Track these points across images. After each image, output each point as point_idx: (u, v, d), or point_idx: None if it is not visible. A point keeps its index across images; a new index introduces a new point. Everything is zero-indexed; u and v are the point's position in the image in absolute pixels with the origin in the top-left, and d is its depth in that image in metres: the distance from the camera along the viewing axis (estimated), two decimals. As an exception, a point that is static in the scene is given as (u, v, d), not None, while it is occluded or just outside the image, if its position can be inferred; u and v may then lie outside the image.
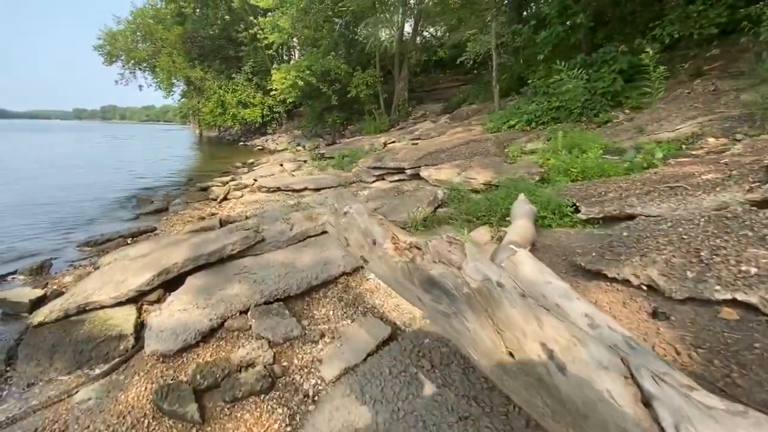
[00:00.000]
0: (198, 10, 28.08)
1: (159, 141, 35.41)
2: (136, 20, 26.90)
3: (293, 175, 9.48)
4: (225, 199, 8.07)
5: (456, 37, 23.26)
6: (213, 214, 6.82)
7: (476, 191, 5.70)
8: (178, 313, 3.06)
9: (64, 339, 3.00)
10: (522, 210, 3.72)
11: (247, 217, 6.20)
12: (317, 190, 7.63)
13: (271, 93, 21.41)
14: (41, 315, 3.19)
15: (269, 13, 21.76)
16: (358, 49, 24.39)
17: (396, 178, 7.49)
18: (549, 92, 9.68)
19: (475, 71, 24.69)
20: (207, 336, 2.95)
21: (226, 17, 26.26)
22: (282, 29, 19.43)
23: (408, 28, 23.31)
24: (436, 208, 5.15)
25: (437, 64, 26.94)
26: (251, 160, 15.36)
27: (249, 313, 3.13)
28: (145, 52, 27.02)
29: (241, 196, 8.14)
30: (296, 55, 29.48)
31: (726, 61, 9.16)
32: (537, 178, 5.65)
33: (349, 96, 19.81)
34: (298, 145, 21.28)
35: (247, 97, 25.62)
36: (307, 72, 19.28)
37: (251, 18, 23.52)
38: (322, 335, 2.89)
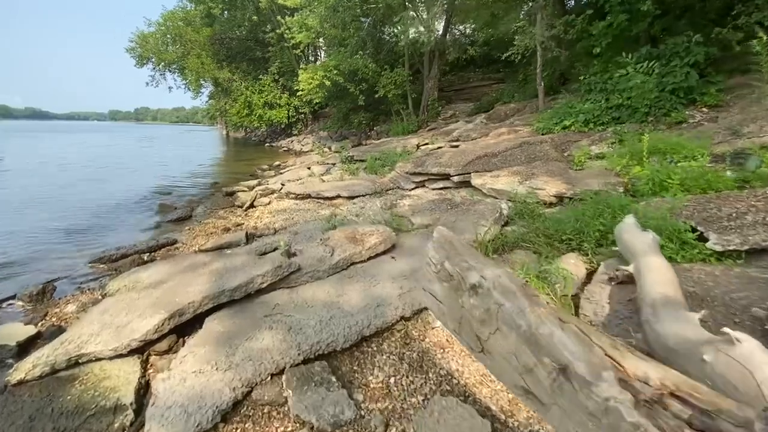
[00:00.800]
0: (226, 12, 27.87)
1: (186, 142, 35.59)
2: (166, 23, 26.90)
3: (323, 180, 8.70)
4: (251, 206, 7.36)
5: (488, 33, 22.15)
6: (239, 225, 6.09)
7: (546, 204, 4.75)
8: (192, 377, 2.27)
9: (46, 408, 2.25)
10: (640, 240, 2.77)
11: (275, 230, 5.44)
12: (351, 198, 6.82)
13: (298, 94, 20.82)
14: (23, 370, 2.46)
15: (296, 13, 21.19)
16: (387, 48, 23.60)
17: (440, 185, 6.59)
18: (607, 89, 8.57)
19: (508, 69, 23.57)
20: (228, 413, 2.15)
21: (254, 18, 25.88)
22: (310, 28, 18.80)
23: (438, 25, 22.36)
24: (503, 226, 4.23)
25: (467, 63, 25.85)
26: (278, 162, 14.74)
27: (284, 378, 2.31)
28: (175, 54, 26.99)
29: (269, 203, 7.42)
30: (322, 55, 28.94)
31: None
32: (620, 190, 4.65)
33: (376, 96, 18.99)
34: (324, 146, 20.64)
35: (274, 98, 25.19)
36: (335, 72, 18.56)
37: (278, 18, 23.02)
38: (386, 425, 2.03)
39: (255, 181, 9.93)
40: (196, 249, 5.02)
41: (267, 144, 26.37)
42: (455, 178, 6.30)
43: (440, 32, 20.91)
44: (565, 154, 6.86)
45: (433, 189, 6.63)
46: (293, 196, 7.51)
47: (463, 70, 25.73)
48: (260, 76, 26.11)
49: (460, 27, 24.88)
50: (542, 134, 8.43)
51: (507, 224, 4.32)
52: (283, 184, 9.06)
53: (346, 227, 4.31)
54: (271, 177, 11.01)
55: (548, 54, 9.79)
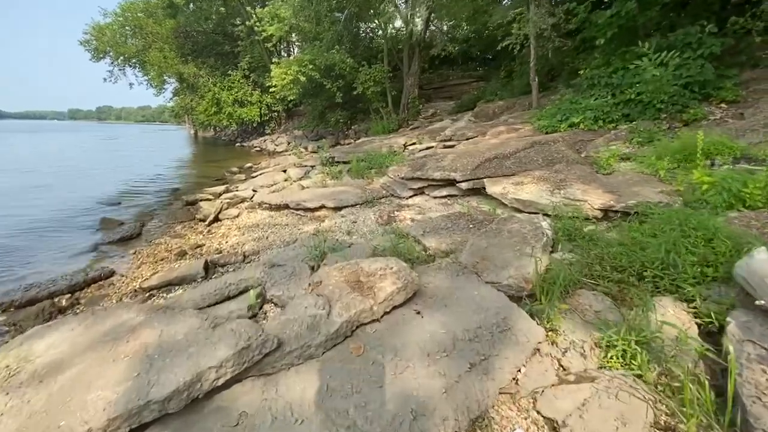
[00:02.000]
0: (191, 4, 25.81)
1: (151, 141, 33.10)
2: (124, 13, 24.59)
3: (302, 187, 7.44)
4: (216, 220, 6.04)
5: (469, 30, 21.31)
6: (198, 247, 4.78)
7: (590, 220, 3.74)
8: None
9: None
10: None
11: (244, 256, 4.19)
12: (338, 208, 5.63)
13: (270, 90, 19.26)
14: None
15: (267, 3, 19.63)
16: (364, 44, 22.37)
17: (443, 193, 5.50)
18: (613, 83, 7.73)
19: (488, 67, 22.85)
20: None
21: (222, 9, 24.03)
22: (282, 19, 17.34)
23: (418, 20, 21.34)
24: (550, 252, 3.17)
25: (446, 61, 24.97)
26: (249, 164, 13.29)
27: None
28: (134, 48, 24.73)
29: (238, 215, 6.12)
30: (295, 51, 27.35)
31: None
32: (678, 201, 3.70)
33: (354, 93, 17.76)
34: (300, 145, 19.22)
35: (244, 95, 23.47)
36: (310, 67, 17.18)
37: (248, 9, 21.35)
38: None
39: (222, 187, 8.53)
40: (136, 287, 3.72)
41: (238, 144, 24.62)
42: (463, 185, 5.22)
43: (420, 27, 19.90)
44: (583, 156, 5.92)
45: (436, 198, 5.53)
46: (267, 206, 6.24)
47: (441, 67, 24.84)
48: (229, 72, 24.29)
49: (438, 23, 23.95)
50: (546, 132, 7.50)
51: (552, 249, 3.26)
52: (255, 191, 7.75)
53: (342, 259, 3.13)
54: (241, 182, 9.62)
55: (549, 45, 8.89)
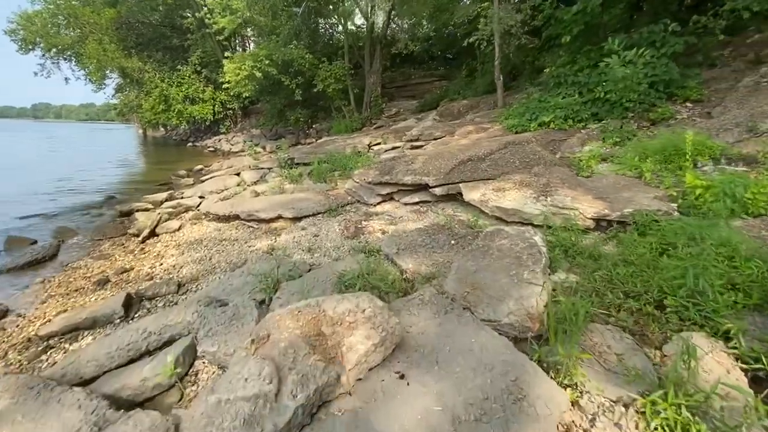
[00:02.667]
0: (134, -8, 23.72)
1: (94, 141, 30.34)
2: (56, 1, 22.14)
3: (256, 193, 6.63)
4: (153, 234, 5.13)
5: (430, 29, 21.00)
6: (124, 272, 3.91)
7: (581, 230, 3.29)
8: None
9: None
10: None
11: (179, 285, 3.40)
12: (297, 219, 4.91)
13: (224, 86, 17.97)
14: None
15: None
16: (324, 40, 21.48)
17: (416, 199, 4.93)
18: (580, 82, 7.52)
19: (449, 66, 22.66)
20: None
21: (169, 0, 22.23)
22: (235, 11, 16.14)
23: (379, 15, 20.77)
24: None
25: (406, 59, 24.55)
26: (200, 166, 12.14)
27: None
28: (69, 39, 22.36)
29: (179, 228, 5.24)
30: (251, 47, 25.91)
31: (780, 46, 7.45)
32: (674, 208, 3.33)
33: (315, 91, 16.91)
34: (257, 145, 18.09)
35: (195, 92, 21.86)
36: (267, 62, 16.12)
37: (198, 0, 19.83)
38: None
39: (165, 194, 7.50)
40: (32, 333, 2.86)
41: (190, 144, 22.96)
42: (437, 190, 4.67)
43: (381, 23, 19.32)
44: (558, 156, 5.57)
45: (407, 204, 4.95)
46: (215, 217, 5.40)
47: (403, 66, 24.42)
48: (179, 67, 22.55)
49: (399, 21, 23.49)
50: (516, 132, 7.15)
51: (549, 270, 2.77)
52: (202, 198, 6.84)
53: (299, 293, 2.47)
54: (188, 187, 8.59)
55: (516, 42, 8.57)
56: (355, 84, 17.88)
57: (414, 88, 21.88)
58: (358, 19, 24.17)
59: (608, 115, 6.87)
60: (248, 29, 24.22)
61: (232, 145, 19.48)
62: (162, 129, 34.95)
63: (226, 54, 17.39)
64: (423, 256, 3.06)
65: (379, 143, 10.01)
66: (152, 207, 6.60)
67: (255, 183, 8.15)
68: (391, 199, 5.25)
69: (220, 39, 18.94)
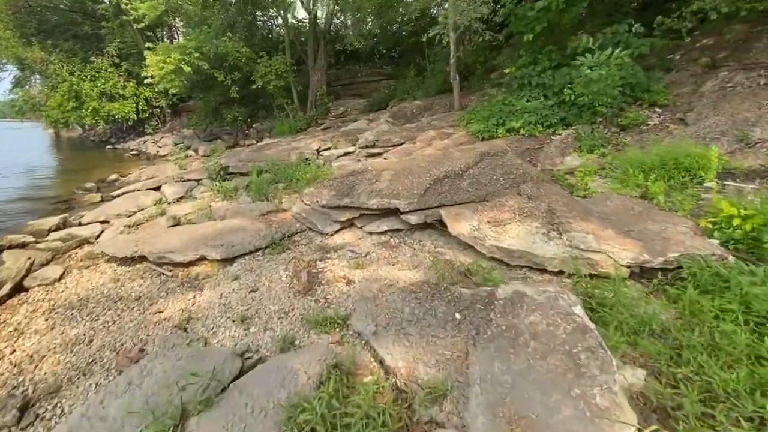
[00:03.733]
0: (34, -29, 20.01)
1: (-11, 143, 25.55)
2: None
3: (176, 219, 5.17)
4: (19, 290, 3.57)
5: (376, 25, 19.95)
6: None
7: (606, 278, 2.44)
8: None
9: None
10: None
11: (22, 412, 2.05)
12: (228, 260, 3.65)
13: (146, 81, 15.56)
14: None
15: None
16: (262, 33, 19.58)
17: (384, 228, 3.86)
18: (544, 84, 6.92)
19: (395, 65, 21.73)
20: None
21: (75, -19, 19.01)
22: (155, -5, 13.96)
23: (320, 8, 19.33)
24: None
25: (351, 56, 23.30)
26: (114, 176, 10.08)
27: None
28: (-53, 21, 18.35)
29: (60, 278, 3.71)
30: (180, 39, 23.14)
31: (730, 51, 7.38)
32: (727, 251, 2.60)
33: (254, 87, 15.17)
34: (188, 148, 15.95)
35: (114, 88, 18.90)
36: (196, 55, 14.11)
37: (111, -18, 17.09)
38: None
39: (57, 219, 5.70)
40: None
41: (110, 146, 19.93)
42: (411, 218, 3.64)
43: (324, 17, 17.92)
44: (539, 168, 4.80)
45: (373, 234, 3.87)
46: (115, 259, 3.94)
47: (348, 63, 23.15)
48: (92, 59, 19.41)
49: (343, 17, 22.16)
50: (483, 138, 6.36)
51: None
52: (105, 225, 5.25)
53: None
54: (92, 206, 6.78)
55: (479, 39, 7.76)
56: (299, 81, 16.37)
57: (360, 87, 20.75)
58: (300, 13, 22.51)
59: (577, 120, 6.30)
60: (177, 19, 21.64)
61: (160, 147, 17.05)
62: (79, 129, 30.49)
63: (147, 44, 15.03)
64: (417, 341, 2.01)
65: (329, 148, 8.80)
66: (32, 240, 4.88)
67: (179, 200, 6.60)
68: (352, 225, 4.14)
69: (140, 27, 16.45)
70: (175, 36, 24.12)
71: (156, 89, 16.93)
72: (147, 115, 19.68)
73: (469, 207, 3.54)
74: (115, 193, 7.47)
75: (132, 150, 17.91)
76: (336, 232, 4.09)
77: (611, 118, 6.16)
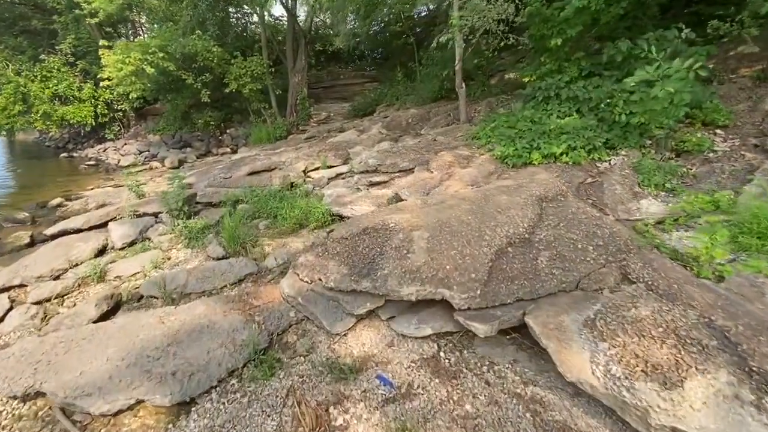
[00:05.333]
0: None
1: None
2: None
3: (111, 298, 3.58)
4: None
5: (360, 24, 18.39)
6: None
7: None
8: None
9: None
10: None
11: None
12: (182, 406, 2.18)
13: (101, 84, 13.45)
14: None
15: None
16: (236, 31, 17.63)
17: (427, 330, 2.46)
18: (578, 97, 5.69)
19: (378, 68, 20.19)
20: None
21: (20, -32, 16.45)
22: (110, -14, 11.94)
23: (302, 9, 17.59)
24: None
25: (332, 57, 21.62)
26: (58, 200, 8.19)
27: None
28: None
29: None
30: (145, 37, 20.77)
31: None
32: None
33: (228, 91, 13.37)
34: (154, 157, 13.97)
35: (69, 89, 16.49)
36: (161, 55, 12.17)
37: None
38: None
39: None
40: None
41: (66, 153, 17.52)
42: (478, 327, 2.24)
43: (304, 16, 16.25)
44: (612, 218, 3.53)
45: (409, 338, 2.49)
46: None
47: (329, 64, 21.48)
48: (43, 57, 16.92)
49: (322, 15, 20.43)
50: (513, 166, 5.07)
51: None
52: (21, 289, 3.62)
53: None
54: (12, 256, 5.05)
55: (497, 42, 6.40)
56: (277, 84, 14.65)
57: (343, 90, 19.18)
58: (277, 10, 20.67)
59: (621, 142, 5.10)
60: (142, 15, 19.35)
61: (122, 155, 14.93)
62: (37, 132, 27.31)
63: (102, 42, 12.94)
64: None
65: (317, 168, 7.31)
66: None
67: (129, 246, 4.97)
68: (373, 315, 2.74)
69: (96, 23, 14.26)
70: (140, 33, 21.67)
71: (118, 92, 14.77)
72: (107, 119, 17.37)
73: (568, 306, 2.22)
74: (50, 231, 5.71)
75: (90, 158, 15.65)
76: (347, 330, 2.67)
77: (664, 141, 4.99)
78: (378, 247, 2.90)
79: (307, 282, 2.92)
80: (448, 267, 2.55)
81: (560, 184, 3.89)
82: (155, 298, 3.47)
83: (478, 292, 2.36)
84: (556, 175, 4.38)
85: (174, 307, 2.95)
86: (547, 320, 2.13)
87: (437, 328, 2.46)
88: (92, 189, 9.56)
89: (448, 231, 2.91)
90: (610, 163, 4.82)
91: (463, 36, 6.05)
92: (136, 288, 3.75)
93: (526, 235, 2.84)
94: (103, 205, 6.98)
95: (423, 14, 17.04)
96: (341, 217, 4.90)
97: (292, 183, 6.52)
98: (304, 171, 7.11)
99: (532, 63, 6.84)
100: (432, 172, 5.06)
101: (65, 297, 3.82)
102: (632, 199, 3.72)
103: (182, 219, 5.22)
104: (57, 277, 4.15)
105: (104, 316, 3.15)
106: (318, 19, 20.11)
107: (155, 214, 5.75)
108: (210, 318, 2.75)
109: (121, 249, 4.93)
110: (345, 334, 2.64)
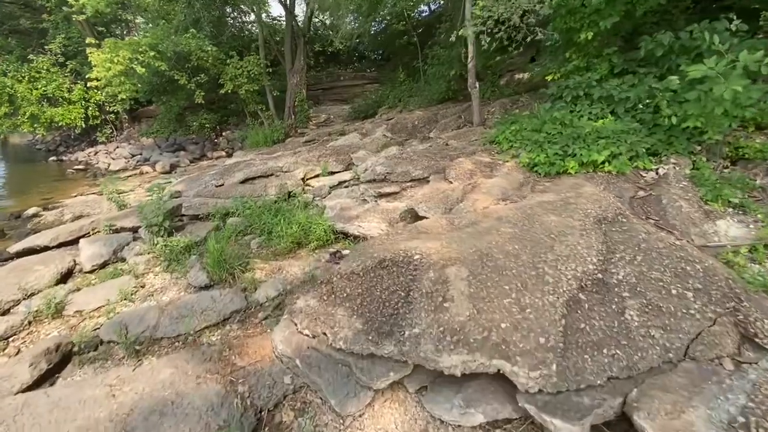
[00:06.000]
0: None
1: None
2: None
3: (61, 350, 2.82)
4: None
5: (361, 23, 17.73)
6: None
7: None
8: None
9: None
10: None
11: None
12: None
13: (89, 84, 12.67)
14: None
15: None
16: (232, 31, 16.89)
17: (478, 416, 1.75)
18: (613, 97, 4.98)
19: (377, 69, 19.46)
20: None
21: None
22: (98, -18, 11.19)
23: (300, 8, 16.89)
24: None
25: (331, 57, 20.87)
26: (34, 210, 7.39)
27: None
28: None
29: None
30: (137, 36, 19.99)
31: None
32: None
33: (223, 92, 12.63)
34: (146, 161, 13.18)
35: (58, 90, 15.69)
36: (152, 54, 11.42)
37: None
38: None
39: None
40: None
41: (55, 157, 16.69)
42: (555, 421, 1.56)
43: (303, 15, 15.51)
44: (683, 241, 2.82)
45: (448, 425, 1.78)
46: None
47: (328, 65, 20.73)
48: (31, 57, 16.12)
49: (322, 15, 19.69)
50: (545, 174, 4.36)
51: None
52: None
53: None
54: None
55: (522, 37, 5.66)
56: (274, 85, 13.91)
57: (343, 91, 18.46)
58: (275, 10, 19.92)
59: (666, 148, 4.40)
60: (136, 15, 18.60)
61: (113, 159, 14.12)
62: (30, 135, 26.41)
63: (89, 40, 12.18)
64: None
65: (317, 175, 6.58)
66: None
67: (100, 268, 4.22)
68: (398, 385, 2.02)
69: (87, 21, 13.48)
70: (135, 34, 20.91)
71: (109, 93, 13.97)
72: (99, 121, 16.57)
73: (687, 392, 1.50)
74: (14, 248, 4.93)
75: (80, 162, 14.87)
76: (364, 408, 1.94)
77: (718, 147, 4.30)
78: (402, 289, 2.17)
79: (307, 336, 2.18)
80: (503, 325, 1.82)
81: (613, 199, 3.17)
82: (117, 343, 2.74)
83: (554, 367, 1.63)
84: (603, 187, 3.67)
85: (132, 370, 2.21)
86: (666, 421, 1.41)
87: (492, 415, 1.73)
88: (75, 196, 8.79)
89: (493, 267, 2.19)
90: (657, 173, 4.11)
91: (487, 29, 5.31)
92: (97, 328, 3.01)
93: (599, 275, 2.12)
94: (79, 217, 6.23)
95: (425, 14, 16.39)
96: (346, 235, 4.17)
97: (289, 192, 5.78)
98: (303, 178, 6.38)
99: (554, 60, 6.12)
100: (451, 182, 4.34)
101: (10, 340, 3.07)
102: (705, 220, 3.01)
103: (163, 236, 4.47)
104: (6, 312, 3.39)
105: (44, 377, 2.41)
106: (317, 19, 19.40)
107: (134, 229, 4.99)
108: (177, 389, 2.01)
109: (91, 272, 4.18)
110: (360, 416, 1.91)
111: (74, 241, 4.91)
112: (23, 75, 15.60)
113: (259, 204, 5.15)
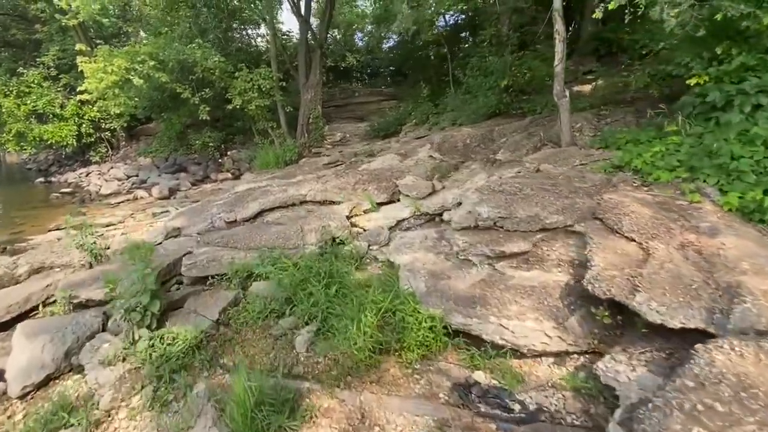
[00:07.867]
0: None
1: None
2: None
3: None
4: None
5: (379, 36, 16.35)
6: None
7: None
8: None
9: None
10: None
11: None
12: None
13: (79, 97, 10.93)
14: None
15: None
16: (240, 44, 15.38)
17: None
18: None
19: (396, 86, 17.89)
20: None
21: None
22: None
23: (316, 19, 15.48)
24: None
25: (343, 73, 19.38)
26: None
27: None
28: None
29: None
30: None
31: None
32: None
33: (230, 107, 10.93)
34: (142, 184, 11.34)
35: (49, 106, 13.93)
36: (151, 64, 9.73)
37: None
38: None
39: None
40: None
41: (43, 178, 14.77)
42: None
43: (317, 28, 14.00)
44: None
45: None
46: None
47: (339, 81, 19.20)
48: (21, 70, 14.40)
49: (334, 31, 18.29)
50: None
51: None
52: None
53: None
54: None
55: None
56: (286, 101, 12.21)
57: (357, 108, 16.84)
58: (285, 25, 18.53)
59: None
60: (138, 28, 17.08)
61: (106, 181, 12.23)
62: (26, 153, 24.48)
63: (79, 46, 10.52)
64: None
65: (367, 210, 4.80)
66: None
67: (33, 392, 2.35)
68: None
69: (76, 24, 11.76)
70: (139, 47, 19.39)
71: (104, 109, 12.21)
72: (93, 139, 14.79)
73: None
74: None
75: (70, 185, 12.99)
76: None
77: None
78: None
79: None
80: None
81: None
82: None
83: None
84: None
85: None
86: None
87: None
88: (51, 230, 6.92)
89: None
90: None
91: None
92: None
93: None
94: (38, 270, 4.36)
95: (442, 25, 14.87)
96: (468, 336, 2.36)
97: (335, 239, 3.98)
98: (348, 216, 4.59)
99: (694, 57, 4.42)
100: (631, 239, 2.55)
101: None
102: None
103: (146, 326, 2.63)
104: None
105: None
106: (329, 34, 17.97)
107: (102, 305, 3.13)
108: None
109: (21, 398, 2.32)
110: None
111: (11, 323, 3.05)
112: (11, 89, 13.85)
113: (295, 260, 3.34)
